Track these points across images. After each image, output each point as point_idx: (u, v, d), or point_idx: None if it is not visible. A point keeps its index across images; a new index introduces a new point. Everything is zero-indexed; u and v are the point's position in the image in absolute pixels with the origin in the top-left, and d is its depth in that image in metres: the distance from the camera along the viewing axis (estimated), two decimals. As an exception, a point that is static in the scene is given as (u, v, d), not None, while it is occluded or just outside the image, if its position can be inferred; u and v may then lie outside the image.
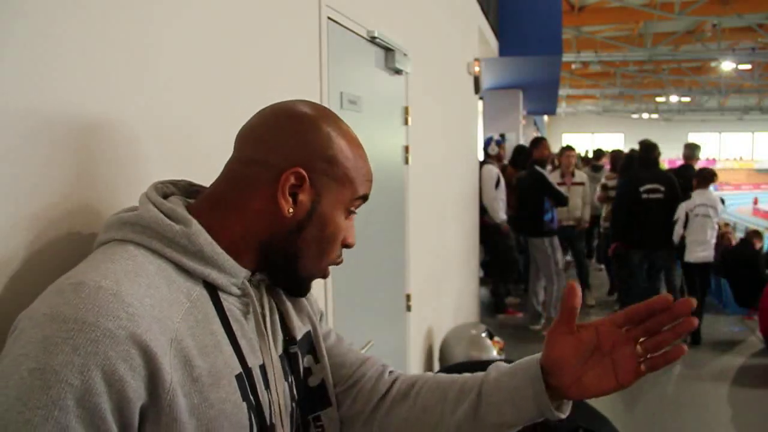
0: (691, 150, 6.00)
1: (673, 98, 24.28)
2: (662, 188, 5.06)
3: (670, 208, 5.06)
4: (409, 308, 2.84)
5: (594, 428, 1.77)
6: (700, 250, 5.14)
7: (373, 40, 2.22)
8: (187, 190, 0.86)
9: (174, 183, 0.85)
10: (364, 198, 0.86)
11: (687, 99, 24.67)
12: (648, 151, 5.19)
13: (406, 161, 2.76)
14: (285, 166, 0.77)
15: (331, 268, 0.87)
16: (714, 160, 32.24)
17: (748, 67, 17.59)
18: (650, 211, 5.03)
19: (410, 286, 2.85)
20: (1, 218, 0.76)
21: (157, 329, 0.66)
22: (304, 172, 0.77)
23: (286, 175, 0.77)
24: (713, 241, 5.23)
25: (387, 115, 2.52)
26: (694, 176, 5.36)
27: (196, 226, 0.75)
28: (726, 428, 4.01)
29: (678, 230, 5.08)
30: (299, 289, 0.86)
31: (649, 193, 5.06)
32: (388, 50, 2.43)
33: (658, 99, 25.02)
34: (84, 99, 0.88)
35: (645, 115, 29.26)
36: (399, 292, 2.75)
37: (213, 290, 0.76)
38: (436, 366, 3.51)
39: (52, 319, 0.62)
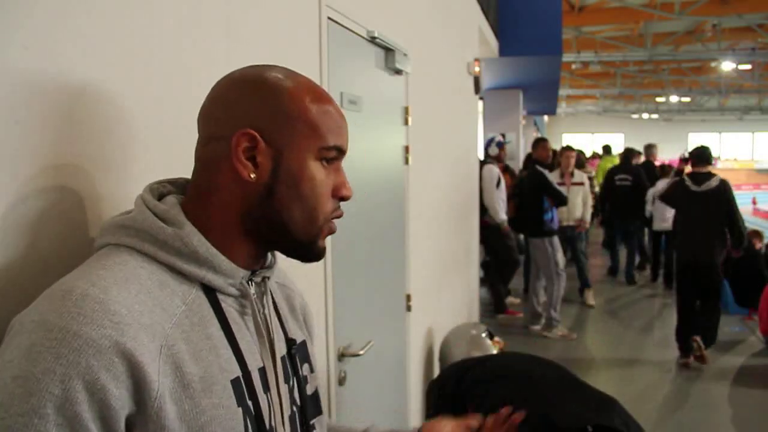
0: (649, 149, 8.66)
1: (673, 98, 24.27)
2: (630, 178, 7.59)
3: (635, 192, 7.58)
4: (409, 308, 2.84)
5: (603, 421, 1.77)
6: (662, 221, 7.47)
7: (373, 40, 2.22)
8: (185, 188, 0.84)
9: (172, 182, 0.84)
10: (339, 150, 0.80)
11: (687, 99, 24.66)
12: (624, 154, 8.16)
13: (406, 161, 2.76)
14: (233, 131, 0.75)
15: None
16: (714, 160, 32.16)
17: (748, 67, 17.58)
18: (621, 194, 7.56)
19: (410, 286, 2.84)
20: None
21: (145, 336, 0.65)
22: (253, 132, 0.75)
23: (235, 139, 0.75)
24: (671, 215, 6.88)
25: (387, 115, 2.52)
26: (658, 169, 8.09)
27: (189, 228, 0.74)
28: (726, 428, 4.01)
29: (648, 208, 7.62)
30: (308, 253, 0.82)
31: (621, 181, 7.63)
32: (388, 50, 2.43)
33: (658, 99, 25.00)
34: (82, 92, 0.88)
35: (645, 115, 29.24)
36: (399, 292, 2.75)
37: (210, 292, 0.75)
38: (436, 366, 3.51)
39: (39, 326, 0.62)
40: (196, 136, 1.15)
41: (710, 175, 4.74)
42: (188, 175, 0.90)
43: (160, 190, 0.81)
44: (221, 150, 0.76)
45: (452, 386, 2.24)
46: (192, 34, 1.15)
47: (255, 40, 1.40)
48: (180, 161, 1.10)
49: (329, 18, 1.85)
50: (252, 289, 0.80)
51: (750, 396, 4.54)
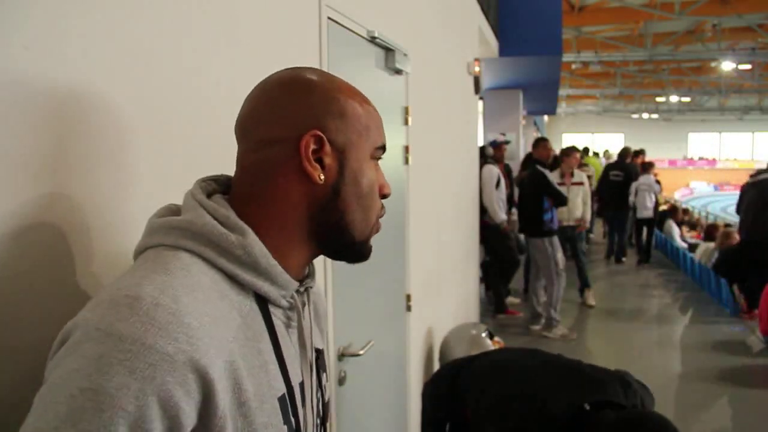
0: (628, 152, 10.09)
1: (673, 98, 24.29)
2: (621, 173, 8.96)
3: (625, 185, 8.95)
4: (409, 308, 2.84)
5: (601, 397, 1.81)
6: (643, 210, 9.20)
7: (373, 40, 2.22)
8: (227, 185, 0.82)
9: (215, 179, 0.81)
10: (383, 148, 0.82)
11: (687, 99, 24.68)
12: (620, 153, 9.47)
13: (406, 161, 2.76)
14: (299, 133, 0.74)
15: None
16: (714, 160, 32.21)
17: (748, 67, 17.61)
18: (613, 187, 8.94)
19: (410, 286, 2.84)
20: None
21: (214, 351, 0.63)
22: (320, 133, 0.74)
23: (305, 142, 0.73)
24: (651, 205, 9.19)
25: (387, 115, 2.52)
26: (640, 167, 9.43)
27: (251, 236, 0.71)
28: (726, 428, 4.02)
29: (631, 199, 9.10)
30: (359, 253, 0.82)
31: (614, 176, 9.00)
32: (388, 50, 2.43)
33: (658, 99, 25.03)
34: (80, 90, 0.88)
35: (645, 115, 29.27)
36: (399, 292, 2.75)
37: (263, 303, 0.73)
38: (436, 366, 3.51)
39: (107, 336, 0.58)
40: (198, 137, 1.16)
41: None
42: (187, 175, 0.90)
43: (208, 189, 0.78)
44: (282, 153, 0.74)
45: (446, 387, 2.24)
46: (192, 34, 1.15)
47: (255, 40, 1.40)
48: (181, 162, 1.10)
49: (329, 18, 1.85)
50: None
51: (750, 396, 4.54)
